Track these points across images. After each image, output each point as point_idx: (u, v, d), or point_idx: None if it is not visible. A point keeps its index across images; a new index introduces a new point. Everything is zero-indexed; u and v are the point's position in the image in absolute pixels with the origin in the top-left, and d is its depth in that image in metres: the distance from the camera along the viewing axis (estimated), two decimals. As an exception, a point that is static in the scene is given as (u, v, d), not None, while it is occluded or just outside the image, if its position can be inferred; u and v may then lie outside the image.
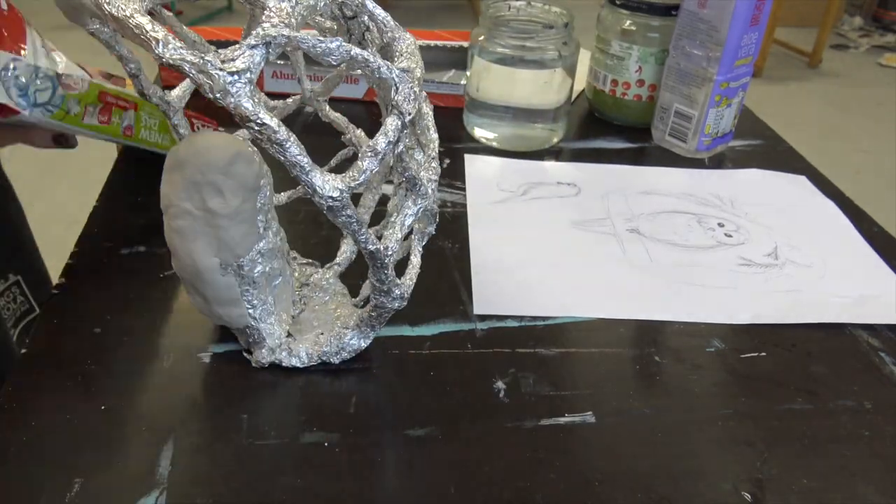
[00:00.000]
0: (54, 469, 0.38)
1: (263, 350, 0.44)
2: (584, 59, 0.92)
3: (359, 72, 0.38)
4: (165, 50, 0.29)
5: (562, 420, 0.43)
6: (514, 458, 0.40)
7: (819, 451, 0.42)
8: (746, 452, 0.42)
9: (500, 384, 0.45)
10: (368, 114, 0.78)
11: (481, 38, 0.70)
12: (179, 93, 0.48)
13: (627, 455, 0.41)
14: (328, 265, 0.51)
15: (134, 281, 0.52)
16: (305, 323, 0.46)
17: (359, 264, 0.52)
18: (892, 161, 2.43)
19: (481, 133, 0.74)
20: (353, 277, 0.52)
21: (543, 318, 0.51)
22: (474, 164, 0.69)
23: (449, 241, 0.58)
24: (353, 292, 0.50)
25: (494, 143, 0.73)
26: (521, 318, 0.51)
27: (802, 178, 0.72)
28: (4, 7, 0.45)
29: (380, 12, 0.37)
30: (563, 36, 0.69)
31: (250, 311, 0.43)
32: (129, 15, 0.30)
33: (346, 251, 0.52)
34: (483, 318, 0.50)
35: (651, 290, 0.54)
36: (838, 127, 2.71)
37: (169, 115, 0.48)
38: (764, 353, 0.49)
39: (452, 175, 0.68)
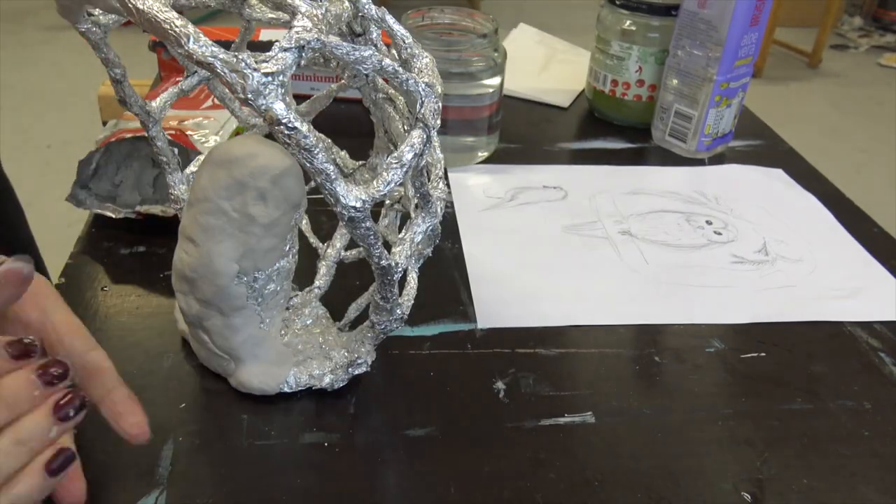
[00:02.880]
0: (54, 469, 0.38)
1: (252, 374, 0.42)
2: (584, 59, 0.92)
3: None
4: (196, 46, 0.28)
5: (562, 420, 0.43)
6: (514, 458, 0.40)
7: (819, 451, 0.42)
8: (746, 452, 0.42)
9: (500, 384, 0.45)
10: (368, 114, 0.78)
11: None
12: (160, 103, 0.45)
13: (627, 455, 0.41)
14: (308, 288, 0.48)
15: (134, 281, 0.52)
16: (290, 348, 0.44)
17: (337, 288, 0.50)
18: (891, 161, 2.43)
19: None
20: (331, 302, 0.50)
21: (543, 318, 0.51)
22: (456, 171, 0.68)
23: (448, 241, 0.58)
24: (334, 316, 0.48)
25: None
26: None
27: (779, 171, 0.72)
28: None
29: (399, 28, 0.36)
30: (493, 43, 0.66)
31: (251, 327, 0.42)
32: (157, 9, 0.28)
33: (325, 273, 0.50)
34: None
35: (650, 293, 0.54)
36: (838, 127, 2.71)
37: (147, 125, 0.45)
38: (764, 354, 0.49)
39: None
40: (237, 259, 0.39)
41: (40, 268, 0.77)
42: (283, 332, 0.44)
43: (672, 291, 0.54)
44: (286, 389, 0.42)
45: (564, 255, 0.58)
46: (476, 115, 0.67)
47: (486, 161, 0.70)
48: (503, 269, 0.56)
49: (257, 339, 0.42)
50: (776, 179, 0.71)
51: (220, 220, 0.38)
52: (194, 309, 0.41)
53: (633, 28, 0.74)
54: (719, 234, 0.62)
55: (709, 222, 0.63)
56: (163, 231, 0.55)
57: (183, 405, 0.42)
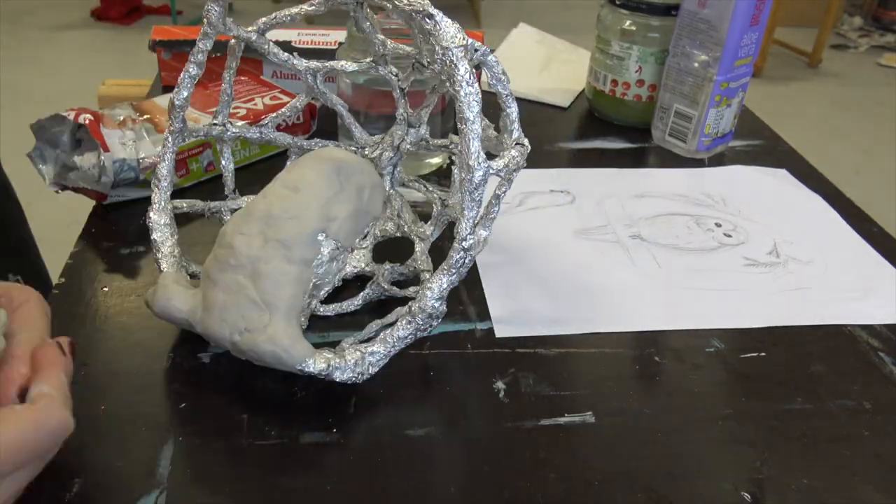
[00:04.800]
0: (54, 469, 0.38)
1: (286, 332, 0.41)
2: (584, 59, 0.92)
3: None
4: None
5: (561, 420, 0.43)
6: (514, 458, 0.40)
7: (819, 451, 0.42)
8: (746, 452, 0.42)
9: (499, 384, 0.45)
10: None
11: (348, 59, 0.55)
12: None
13: (627, 455, 0.41)
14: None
15: (134, 281, 0.52)
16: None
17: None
18: (891, 161, 2.43)
19: None
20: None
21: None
22: None
23: (448, 241, 0.58)
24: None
25: None
26: (521, 318, 0.50)
27: (783, 172, 0.72)
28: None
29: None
30: None
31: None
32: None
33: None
34: (483, 318, 0.50)
35: (666, 298, 0.54)
36: (838, 127, 2.71)
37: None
38: (763, 353, 0.49)
39: (448, 174, 0.67)
40: (328, 217, 0.44)
41: (40, 268, 0.77)
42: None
43: (687, 296, 0.54)
44: (306, 368, 0.40)
45: (575, 259, 0.57)
46: (428, 123, 0.65)
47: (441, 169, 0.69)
48: (517, 276, 0.55)
49: (299, 304, 0.43)
50: (781, 180, 0.71)
51: (334, 187, 0.45)
52: (254, 248, 0.43)
53: (633, 28, 0.74)
54: (729, 236, 0.61)
55: (718, 224, 0.63)
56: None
57: (183, 405, 0.42)
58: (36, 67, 2.78)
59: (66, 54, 2.91)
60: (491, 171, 0.39)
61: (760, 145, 0.78)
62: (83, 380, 0.43)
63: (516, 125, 0.43)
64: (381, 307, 0.49)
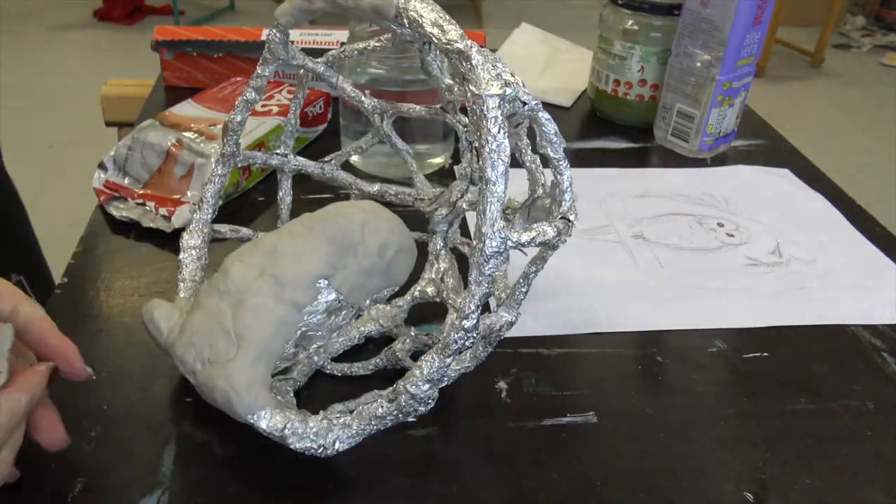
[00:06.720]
0: (57, 468, 0.38)
1: (244, 372, 0.37)
2: (586, 59, 0.92)
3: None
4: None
5: (564, 420, 0.43)
6: (516, 457, 0.40)
7: (821, 451, 0.42)
8: (749, 452, 0.42)
9: (502, 384, 0.45)
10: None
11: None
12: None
13: (629, 455, 0.41)
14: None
15: (137, 281, 0.52)
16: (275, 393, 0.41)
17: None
18: (894, 161, 2.43)
19: (355, 159, 0.67)
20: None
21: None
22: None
23: (451, 240, 0.58)
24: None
25: (375, 171, 0.66)
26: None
27: (786, 172, 0.72)
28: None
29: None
30: None
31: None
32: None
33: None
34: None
35: (668, 298, 0.54)
36: (840, 127, 2.71)
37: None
38: (766, 353, 0.49)
39: (451, 174, 0.68)
40: (335, 266, 0.41)
41: (42, 267, 0.78)
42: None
43: (689, 296, 0.54)
44: (255, 421, 0.36)
45: (578, 259, 0.57)
46: (430, 122, 0.65)
47: (442, 168, 0.69)
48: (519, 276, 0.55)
49: (276, 349, 0.39)
50: (784, 179, 0.71)
51: (353, 237, 0.42)
52: (248, 279, 0.39)
53: (636, 28, 0.74)
54: (732, 236, 0.61)
55: (720, 224, 0.63)
56: (164, 231, 0.55)
57: (185, 405, 0.42)
58: (38, 67, 2.79)
59: (69, 54, 2.91)
60: (510, 245, 0.33)
61: (763, 145, 0.78)
62: (85, 379, 0.43)
63: (567, 196, 0.37)
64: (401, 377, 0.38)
